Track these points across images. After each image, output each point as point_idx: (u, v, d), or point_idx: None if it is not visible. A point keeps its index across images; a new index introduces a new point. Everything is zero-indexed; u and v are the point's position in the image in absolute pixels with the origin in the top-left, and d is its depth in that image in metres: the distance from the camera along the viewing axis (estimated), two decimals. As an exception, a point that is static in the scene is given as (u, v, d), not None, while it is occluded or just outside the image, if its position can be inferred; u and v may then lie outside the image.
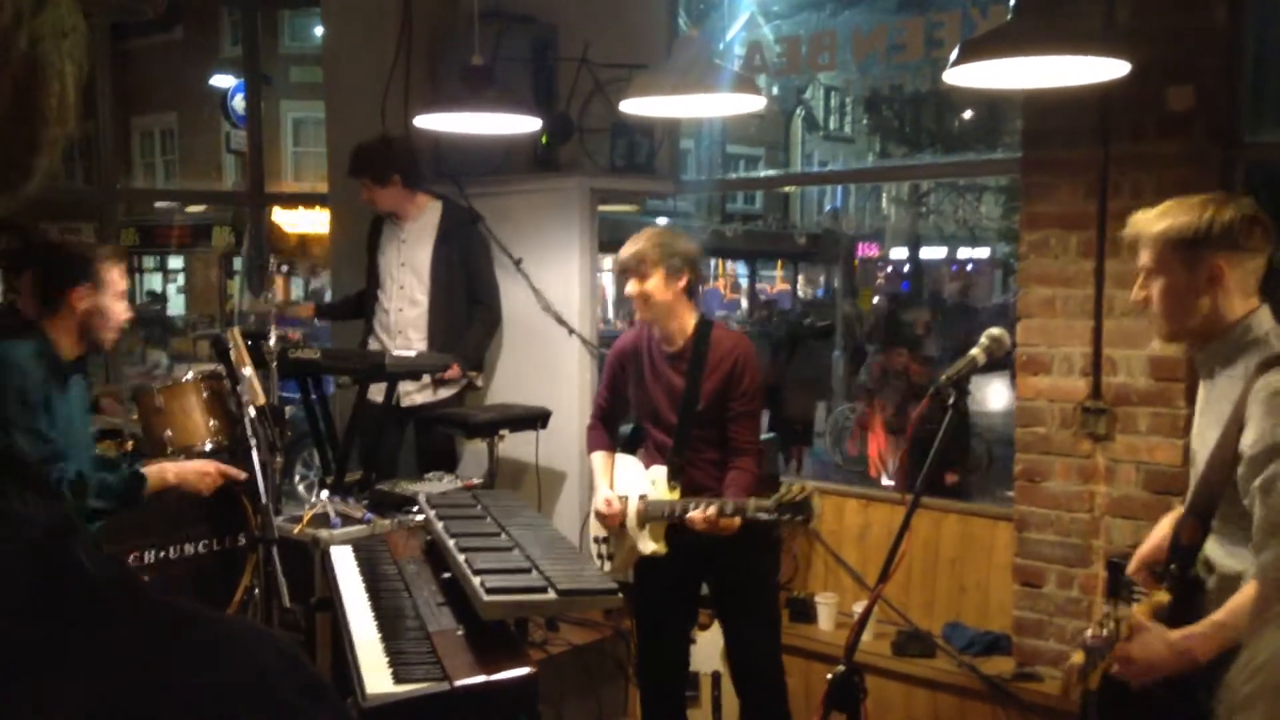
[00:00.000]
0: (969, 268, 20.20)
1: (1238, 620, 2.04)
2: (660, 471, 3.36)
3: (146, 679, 0.55)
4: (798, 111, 18.27)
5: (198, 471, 3.24)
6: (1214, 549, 2.21)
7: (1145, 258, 2.25)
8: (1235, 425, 2.11)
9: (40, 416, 2.87)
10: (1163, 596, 2.24)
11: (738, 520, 3.13)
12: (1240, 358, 2.18)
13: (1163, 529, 2.46)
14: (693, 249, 3.34)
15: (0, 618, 0.53)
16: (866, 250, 19.14)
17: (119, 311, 3.10)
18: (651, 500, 3.35)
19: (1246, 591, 2.06)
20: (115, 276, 3.07)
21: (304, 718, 0.60)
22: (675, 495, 3.31)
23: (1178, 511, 2.40)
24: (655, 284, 3.28)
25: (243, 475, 3.19)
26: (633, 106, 3.04)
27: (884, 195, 18.92)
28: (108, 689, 0.53)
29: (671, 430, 3.37)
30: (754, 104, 3.02)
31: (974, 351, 2.43)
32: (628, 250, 3.32)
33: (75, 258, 3.07)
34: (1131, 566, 2.45)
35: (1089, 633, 2.12)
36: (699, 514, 3.15)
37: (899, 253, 19.05)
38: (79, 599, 0.56)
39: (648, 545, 3.35)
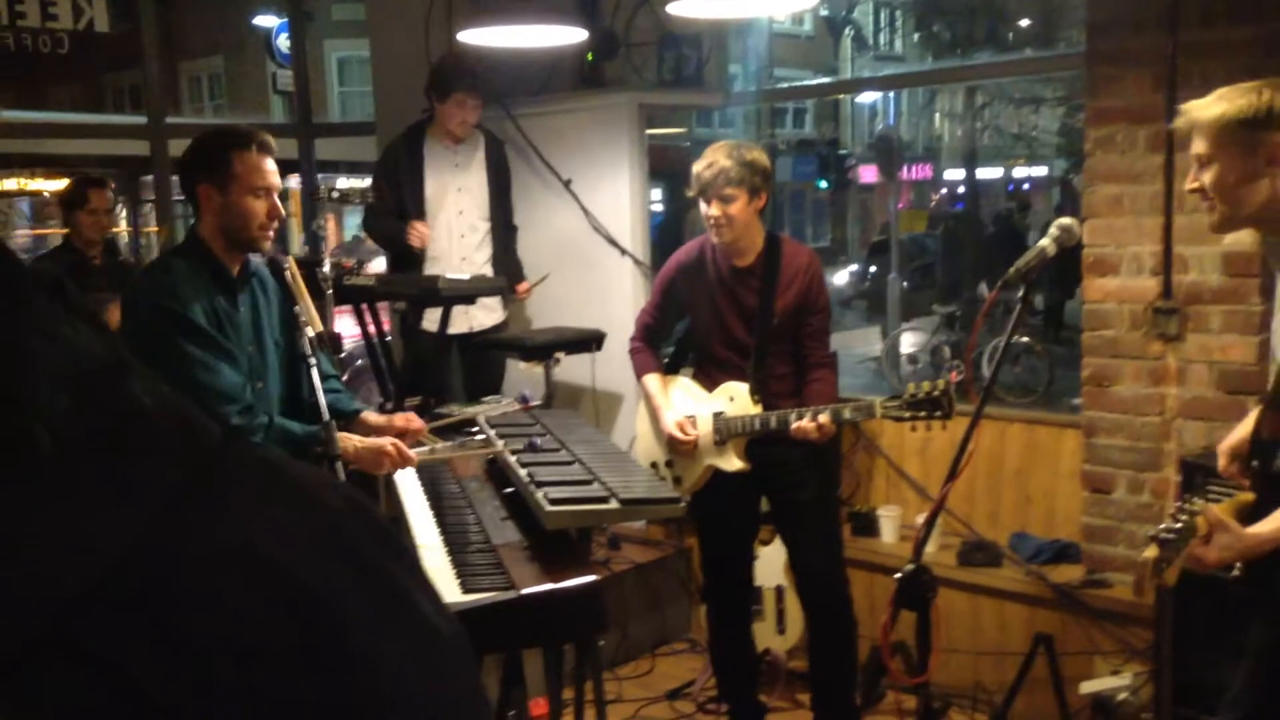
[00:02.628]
0: (1025, 187, 19.76)
1: None
2: (738, 387, 3.31)
3: (205, 514, 0.53)
4: (846, 31, 17.86)
5: (374, 450, 2.82)
6: None
7: (1200, 145, 2.19)
8: None
9: (206, 342, 2.61)
10: (1246, 496, 2.18)
11: (834, 426, 3.09)
12: None
13: (1249, 423, 2.39)
14: (769, 163, 3.26)
15: (50, 447, 0.51)
16: (920, 172, 18.79)
17: (258, 210, 2.68)
18: (732, 417, 3.28)
19: None
20: (249, 168, 2.66)
21: (373, 565, 0.57)
22: (759, 410, 3.24)
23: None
24: (739, 206, 3.18)
25: (415, 460, 2.89)
26: (681, 9, 2.96)
27: (937, 114, 18.50)
28: (164, 525, 0.51)
29: (743, 347, 3.31)
30: (804, 1, 2.93)
31: (1044, 242, 2.35)
32: (709, 168, 3.18)
33: (200, 148, 2.72)
34: (1221, 463, 2.38)
35: (1162, 526, 2.06)
36: (809, 422, 3.06)
37: (954, 174, 18.67)
38: (131, 431, 0.54)
39: (732, 463, 3.29)
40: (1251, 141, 2.11)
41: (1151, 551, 2.02)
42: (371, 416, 3.07)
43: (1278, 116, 2.10)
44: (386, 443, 2.83)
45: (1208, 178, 2.19)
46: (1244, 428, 2.36)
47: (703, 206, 3.24)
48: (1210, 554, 2.01)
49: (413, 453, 2.89)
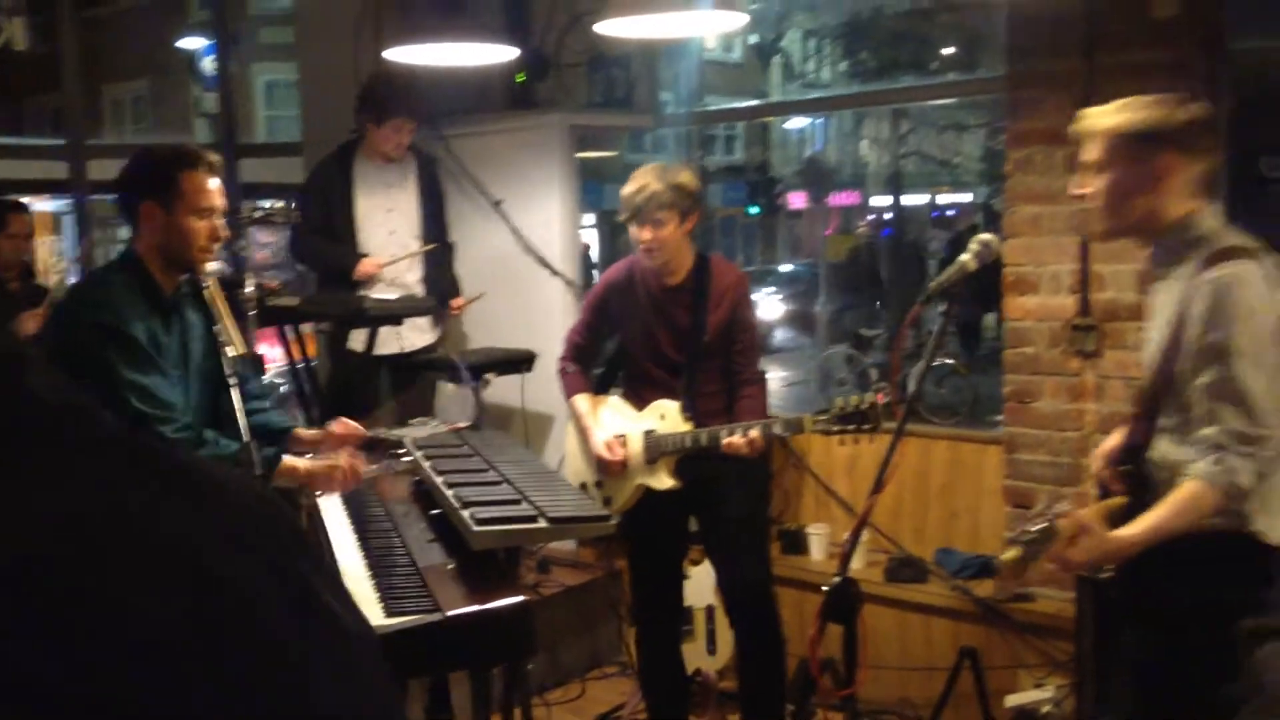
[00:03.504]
0: (950, 212, 20.13)
1: (1172, 522, 2.04)
2: (668, 405, 3.30)
3: (108, 503, 0.51)
4: (775, 60, 18.10)
5: (326, 468, 2.82)
6: (1164, 446, 2.20)
7: (1093, 152, 2.23)
8: (1179, 323, 2.12)
9: (144, 358, 2.57)
10: (1118, 500, 2.23)
11: (765, 441, 3.09)
12: (1184, 257, 2.18)
13: (1122, 430, 2.45)
14: (698, 184, 3.28)
15: None
16: (848, 198, 19.06)
17: (200, 230, 2.64)
18: (663, 435, 3.27)
19: (1185, 490, 2.05)
20: (196, 188, 2.62)
21: (282, 561, 0.56)
22: (689, 427, 3.24)
23: None
24: (670, 229, 3.19)
25: (370, 467, 2.89)
26: (611, 28, 2.97)
27: (864, 140, 18.80)
28: (63, 512, 0.49)
29: (675, 365, 3.32)
30: (735, 21, 2.96)
31: (964, 257, 2.38)
32: (640, 193, 3.18)
33: (146, 165, 2.67)
34: (1095, 466, 2.43)
35: (1023, 528, 2.12)
36: (740, 438, 3.07)
37: (880, 199, 18.97)
38: (26, 420, 0.52)
39: (663, 481, 3.28)
40: (1144, 154, 2.16)
41: (1013, 553, 2.08)
42: (304, 433, 3.03)
43: (1170, 134, 2.15)
44: (339, 459, 2.81)
45: (1096, 185, 2.23)
46: (1118, 434, 2.42)
47: (633, 230, 3.24)
48: (1075, 555, 2.06)
49: (364, 467, 2.86)
